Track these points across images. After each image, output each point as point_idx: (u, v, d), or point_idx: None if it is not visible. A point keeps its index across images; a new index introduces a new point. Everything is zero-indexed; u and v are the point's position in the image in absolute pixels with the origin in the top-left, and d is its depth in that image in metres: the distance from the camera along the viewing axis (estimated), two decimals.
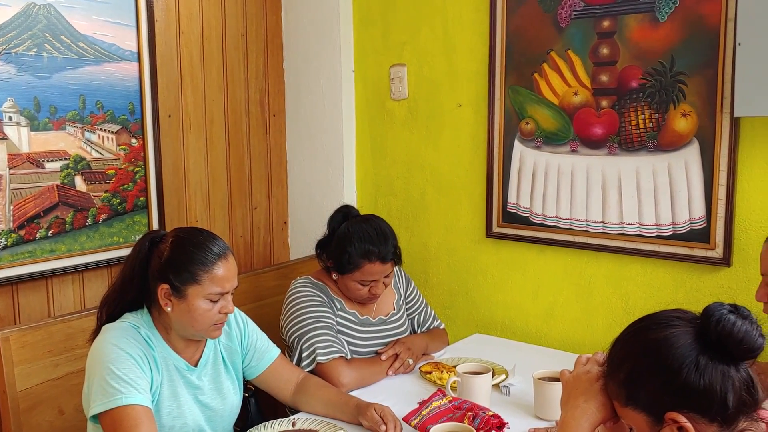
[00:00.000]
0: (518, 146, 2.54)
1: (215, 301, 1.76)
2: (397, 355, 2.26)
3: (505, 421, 1.73)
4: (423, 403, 1.82)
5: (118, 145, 2.54)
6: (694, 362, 1.11)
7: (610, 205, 2.35)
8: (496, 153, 2.59)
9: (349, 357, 2.19)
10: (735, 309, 1.13)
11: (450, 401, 1.82)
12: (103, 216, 2.50)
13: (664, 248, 2.27)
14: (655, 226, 2.28)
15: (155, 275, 1.76)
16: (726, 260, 2.16)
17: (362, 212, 2.38)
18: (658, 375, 1.13)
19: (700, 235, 2.19)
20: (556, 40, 2.42)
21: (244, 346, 1.96)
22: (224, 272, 1.76)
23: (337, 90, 2.96)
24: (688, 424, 1.11)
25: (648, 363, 1.15)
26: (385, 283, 2.29)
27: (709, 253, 2.18)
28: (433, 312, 2.56)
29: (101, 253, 2.50)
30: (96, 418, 1.68)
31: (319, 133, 3.03)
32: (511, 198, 2.57)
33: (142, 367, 1.71)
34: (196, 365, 1.85)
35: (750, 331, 1.10)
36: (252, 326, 2.00)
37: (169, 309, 1.75)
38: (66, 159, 2.39)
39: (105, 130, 2.50)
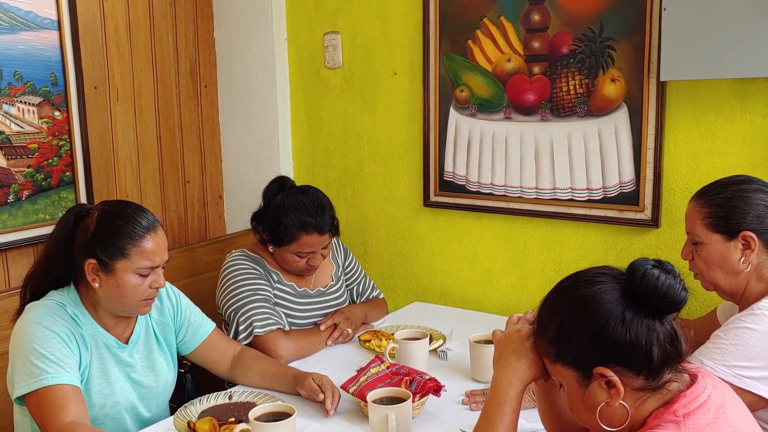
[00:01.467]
0: (453, 114, 2.54)
1: (145, 276, 1.71)
2: (336, 325, 2.25)
3: (442, 384, 1.74)
4: (361, 371, 1.82)
5: (41, 118, 2.43)
6: (620, 317, 1.13)
7: (542, 171, 2.38)
8: (432, 121, 2.59)
9: (287, 329, 2.17)
10: (659, 264, 1.15)
11: (388, 367, 1.82)
12: (26, 192, 2.39)
13: (595, 212, 2.31)
14: (586, 191, 2.32)
15: (81, 250, 1.70)
16: (654, 222, 2.21)
17: (299, 184, 2.35)
18: (586, 331, 1.15)
19: (630, 198, 2.24)
20: (489, 7, 2.41)
21: (178, 321, 1.92)
22: (153, 246, 1.71)
23: (269, 59, 2.89)
24: (615, 378, 1.13)
25: (575, 319, 1.16)
26: (323, 255, 2.27)
27: (638, 216, 2.24)
28: (372, 282, 2.56)
29: (25, 230, 2.40)
30: (22, 400, 1.62)
31: (252, 104, 2.97)
32: (448, 166, 2.58)
33: (69, 345, 1.65)
34: (126, 342, 1.80)
35: (673, 285, 1.12)
36: (185, 301, 1.96)
37: (96, 285, 1.69)
38: None
39: (25, 103, 2.38)
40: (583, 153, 2.30)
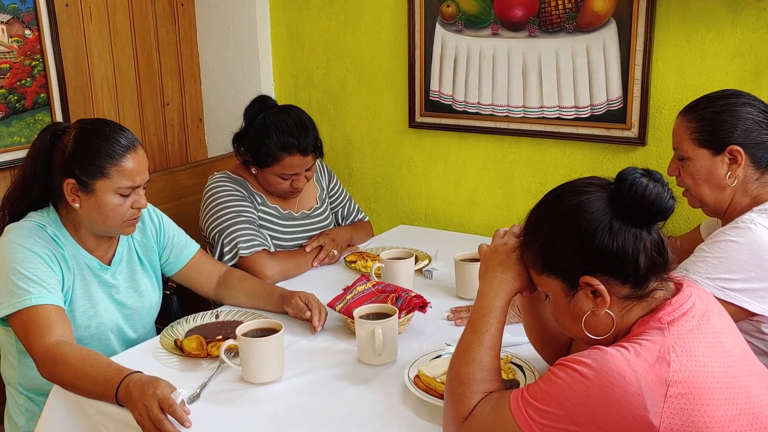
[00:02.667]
0: (440, 30, 2.47)
1: (126, 196, 1.67)
2: (321, 247, 2.24)
3: (428, 301, 1.75)
4: (347, 289, 1.82)
5: (11, 37, 2.33)
6: (607, 226, 1.12)
7: (530, 88, 2.34)
8: (418, 39, 2.52)
9: (272, 250, 2.16)
10: (647, 173, 1.14)
11: (374, 285, 1.83)
12: None
13: (582, 130, 2.29)
14: (573, 109, 2.29)
15: (59, 170, 1.66)
16: (641, 140, 2.20)
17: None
18: (573, 240, 1.14)
19: (617, 116, 2.22)
20: None
21: (161, 242, 1.90)
22: (134, 165, 1.67)
23: None
24: (601, 287, 1.13)
25: (562, 229, 1.16)
26: (306, 177, 2.24)
27: (625, 133, 2.22)
28: (357, 205, 2.54)
29: (1, 154, 2.34)
30: (5, 320, 1.61)
31: (230, 22, 2.87)
32: (434, 86, 2.53)
33: (50, 266, 1.63)
34: (109, 263, 1.78)
35: (661, 193, 1.11)
36: (168, 222, 1.94)
37: (77, 205, 1.66)
38: None
39: None
40: (571, 70, 2.26)
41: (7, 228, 1.69)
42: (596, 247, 1.12)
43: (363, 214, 2.54)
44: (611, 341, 1.17)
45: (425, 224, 2.71)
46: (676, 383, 1.04)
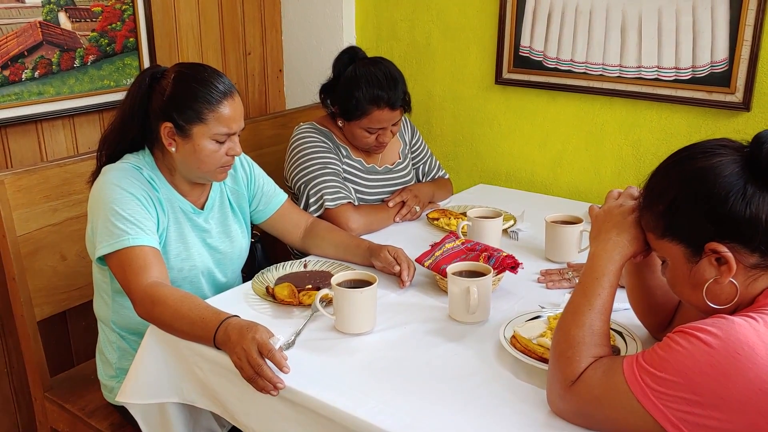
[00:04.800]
0: None
1: (221, 142, 1.68)
2: (404, 203, 2.22)
3: (519, 262, 1.71)
4: (435, 245, 1.80)
5: None
6: (741, 191, 1.06)
7: (628, 47, 2.24)
8: None
9: (356, 203, 2.15)
10: None
11: (463, 243, 1.80)
12: (91, 57, 2.35)
13: (682, 93, 2.18)
14: (674, 70, 2.18)
15: (157, 113, 1.66)
16: (746, 105, 2.09)
17: None
18: (703, 204, 1.08)
19: (721, 79, 2.11)
20: None
21: (251, 189, 1.90)
22: (230, 112, 1.67)
23: None
24: (728, 254, 1.08)
25: (693, 192, 1.10)
26: (393, 132, 2.21)
27: (728, 98, 2.11)
28: (437, 162, 2.50)
29: (92, 97, 2.37)
30: (102, 260, 1.64)
31: None
32: (524, 41, 2.44)
33: (147, 207, 1.65)
34: (202, 208, 1.80)
35: None
36: (258, 170, 1.94)
37: (173, 149, 1.67)
38: None
39: None
40: (674, 29, 2.15)
41: (104, 169, 1.71)
42: (727, 212, 1.07)
43: (443, 171, 2.51)
44: (732, 311, 1.12)
45: (505, 184, 2.65)
46: None
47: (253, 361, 1.32)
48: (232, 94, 1.68)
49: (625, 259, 1.22)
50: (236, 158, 1.80)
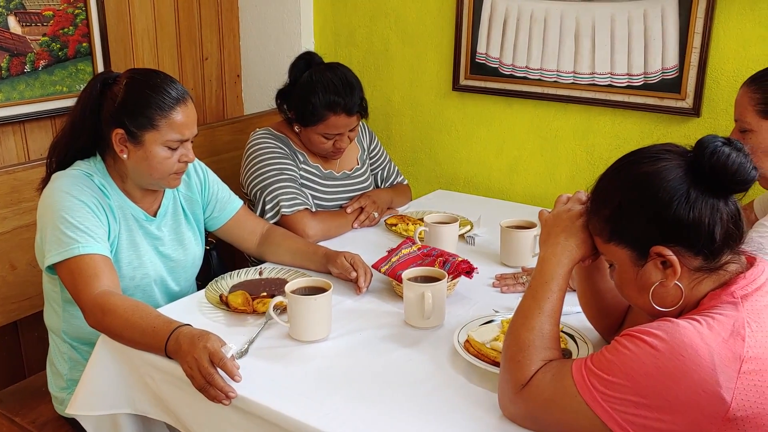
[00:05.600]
0: None
1: (174, 149, 1.65)
2: (362, 209, 2.22)
3: (474, 266, 1.72)
4: (392, 251, 1.80)
5: None
6: (684, 195, 1.08)
7: (582, 54, 2.28)
8: None
9: (313, 210, 2.14)
10: (729, 141, 1.10)
11: (419, 249, 1.80)
12: (42, 62, 2.30)
13: (634, 99, 2.23)
14: (626, 76, 2.22)
15: (108, 119, 1.63)
16: (695, 111, 2.13)
17: None
18: (648, 208, 1.10)
19: (672, 85, 2.15)
20: None
21: (205, 196, 1.88)
22: (183, 118, 1.65)
23: None
24: (673, 257, 1.10)
25: (637, 196, 1.12)
26: (350, 137, 2.21)
27: (679, 104, 2.15)
28: (396, 168, 2.51)
29: (43, 102, 2.32)
30: (52, 269, 1.60)
31: None
32: (481, 48, 2.47)
33: (97, 215, 1.62)
34: (154, 215, 1.77)
35: (744, 163, 1.07)
36: (212, 176, 1.92)
37: (125, 156, 1.64)
38: None
39: None
40: (626, 36, 2.19)
41: (54, 176, 1.67)
42: (671, 216, 1.08)
43: (402, 176, 2.51)
44: (678, 314, 1.14)
45: (464, 190, 2.67)
46: (751, 359, 1.00)
47: (204, 370, 1.30)
48: (185, 100, 1.66)
49: (574, 263, 1.23)
50: (190, 164, 1.77)
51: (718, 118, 2.11)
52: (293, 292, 1.50)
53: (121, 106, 1.62)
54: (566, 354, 1.41)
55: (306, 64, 2.17)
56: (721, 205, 1.09)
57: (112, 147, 1.65)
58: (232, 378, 1.31)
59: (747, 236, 1.45)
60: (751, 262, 1.15)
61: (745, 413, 1.00)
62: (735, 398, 0.99)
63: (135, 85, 1.63)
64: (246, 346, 1.46)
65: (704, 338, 1.02)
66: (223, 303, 1.63)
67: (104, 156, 1.71)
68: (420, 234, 2.00)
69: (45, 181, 1.70)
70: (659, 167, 1.11)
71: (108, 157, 1.70)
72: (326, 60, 2.25)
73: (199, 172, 1.88)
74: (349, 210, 2.20)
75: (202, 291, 1.72)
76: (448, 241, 1.95)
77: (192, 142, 1.70)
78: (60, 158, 1.71)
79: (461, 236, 2.09)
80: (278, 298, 1.52)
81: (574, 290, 1.45)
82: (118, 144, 1.63)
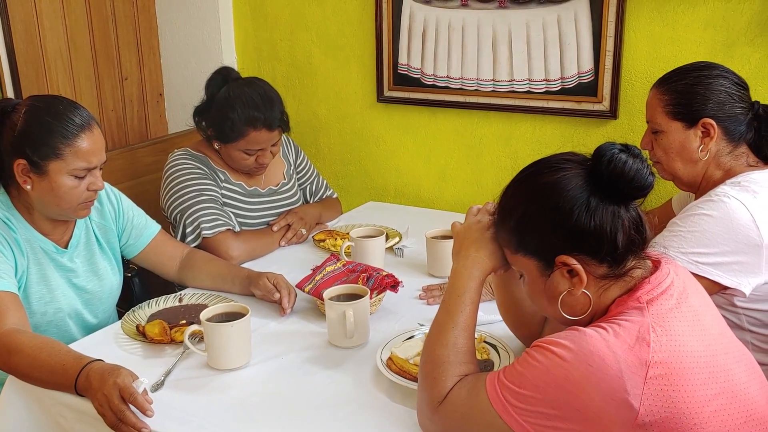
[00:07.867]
0: (408, 2, 2.40)
1: (81, 178, 1.59)
2: (289, 226, 2.18)
3: (399, 280, 1.71)
4: (316, 269, 1.77)
5: None
6: (585, 204, 1.08)
7: (500, 61, 2.29)
8: (385, 9, 2.44)
9: (237, 230, 2.10)
10: (626, 148, 1.10)
11: (344, 265, 1.78)
12: None
13: (553, 104, 2.25)
14: (544, 82, 2.25)
15: (9, 150, 1.57)
16: (612, 113, 2.17)
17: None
18: (549, 219, 1.10)
19: (588, 89, 2.19)
20: None
21: (120, 223, 1.82)
22: (89, 145, 1.59)
23: None
24: (578, 266, 1.10)
25: (538, 207, 1.12)
26: (272, 152, 2.17)
27: (597, 107, 2.19)
28: (325, 181, 2.48)
29: None
30: None
31: None
32: (402, 59, 2.46)
33: (2, 250, 1.55)
34: (66, 247, 1.70)
35: (641, 170, 1.08)
36: (127, 202, 1.86)
37: (28, 187, 1.57)
38: None
39: None
40: (542, 42, 2.22)
41: None
42: (573, 225, 1.09)
43: (331, 190, 2.49)
44: (588, 321, 1.14)
45: (395, 200, 2.66)
46: (656, 364, 1.01)
47: (115, 407, 1.26)
48: (90, 126, 1.60)
49: (485, 275, 1.23)
50: (102, 191, 1.71)
51: (634, 119, 2.15)
52: (209, 319, 1.45)
53: (21, 135, 1.55)
54: (488, 365, 1.41)
55: (223, 80, 2.13)
56: (622, 212, 1.10)
57: (14, 178, 1.58)
58: (144, 413, 1.26)
59: (651, 241, 1.48)
60: (656, 265, 1.16)
61: (654, 418, 1.00)
62: (643, 404, 1.00)
63: (35, 113, 1.56)
64: (162, 378, 1.41)
65: (610, 346, 1.02)
66: (140, 334, 1.57)
67: (8, 187, 1.63)
68: (347, 249, 1.97)
69: None
70: (559, 177, 1.11)
71: (11, 189, 1.63)
72: (250, 75, 2.23)
73: (112, 198, 1.82)
74: (275, 228, 2.16)
75: (119, 322, 1.66)
76: (375, 254, 1.93)
77: (101, 169, 1.65)
78: None
79: (390, 248, 2.07)
80: (194, 327, 1.47)
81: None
82: (21, 175, 1.56)
